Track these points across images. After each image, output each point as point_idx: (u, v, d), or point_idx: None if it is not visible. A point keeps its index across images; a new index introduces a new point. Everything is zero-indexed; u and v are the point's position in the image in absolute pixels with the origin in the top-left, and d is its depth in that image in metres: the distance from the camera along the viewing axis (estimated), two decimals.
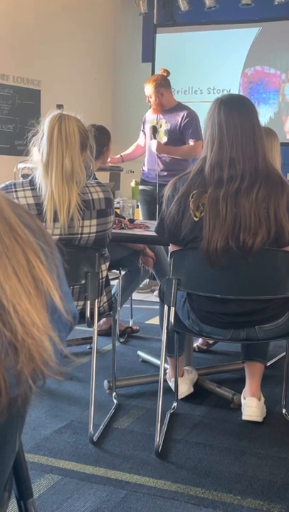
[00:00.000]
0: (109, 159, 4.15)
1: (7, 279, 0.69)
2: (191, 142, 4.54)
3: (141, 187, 4.87)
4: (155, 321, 4.01)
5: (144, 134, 4.76)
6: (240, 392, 2.61)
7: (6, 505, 0.96)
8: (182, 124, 4.54)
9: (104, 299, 2.56)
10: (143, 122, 4.80)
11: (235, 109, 2.32)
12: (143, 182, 4.85)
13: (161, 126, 4.59)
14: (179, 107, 4.64)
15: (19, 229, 0.75)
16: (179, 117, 4.56)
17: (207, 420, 2.56)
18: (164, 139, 4.59)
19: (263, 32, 6.61)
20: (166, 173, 4.54)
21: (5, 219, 0.74)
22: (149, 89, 4.59)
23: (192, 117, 4.55)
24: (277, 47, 6.56)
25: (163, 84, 4.60)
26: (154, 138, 4.45)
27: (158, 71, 6.30)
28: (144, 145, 4.80)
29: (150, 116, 4.72)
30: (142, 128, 4.82)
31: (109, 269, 2.68)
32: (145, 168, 4.80)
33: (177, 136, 4.57)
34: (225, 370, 3.15)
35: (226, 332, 2.38)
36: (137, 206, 4.73)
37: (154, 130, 4.47)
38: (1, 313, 0.68)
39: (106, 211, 2.41)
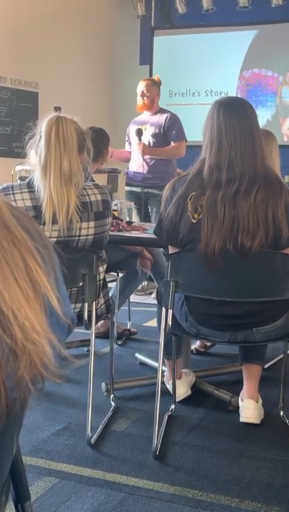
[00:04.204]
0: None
1: (6, 286, 0.69)
2: (175, 143, 4.71)
3: (127, 188, 4.97)
4: (153, 323, 4.00)
5: (130, 143, 4.90)
6: (238, 395, 2.61)
7: (4, 508, 0.96)
8: (166, 125, 4.72)
9: (102, 301, 2.56)
10: (127, 134, 4.92)
11: (234, 112, 2.32)
12: (129, 184, 4.95)
13: (145, 129, 4.73)
14: (162, 111, 4.85)
15: (17, 232, 0.75)
16: (162, 120, 4.74)
17: (205, 422, 2.56)
18: (150, 141, 4.72)
19: (260, 34, 6.63)
20: (151, 176, 4.67)
21: (3, 222, 0.74)
22: (148, 85, 4.72)
23: (174, 119, 4.76)
24: (274, 49, 6.58)
25: (159, 85, 4.84)
26: (140, 140, 4.62)
27: (155, 74, 6.31)
28: (130, 149, 4.92)
29: (135, 123, 4.85)
30: (126, 138, 4.95)
31: (107, 271, 2.68)
32: (130, 170, 4.90)
33: (162, 139, 4.73)
34: (223, 373, 3.14)
35: (223, 334, 2.37)
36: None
37: (140, 132, 4.63)
38: (0, 320, 0.68)
39: (104, 213, 2.41)
